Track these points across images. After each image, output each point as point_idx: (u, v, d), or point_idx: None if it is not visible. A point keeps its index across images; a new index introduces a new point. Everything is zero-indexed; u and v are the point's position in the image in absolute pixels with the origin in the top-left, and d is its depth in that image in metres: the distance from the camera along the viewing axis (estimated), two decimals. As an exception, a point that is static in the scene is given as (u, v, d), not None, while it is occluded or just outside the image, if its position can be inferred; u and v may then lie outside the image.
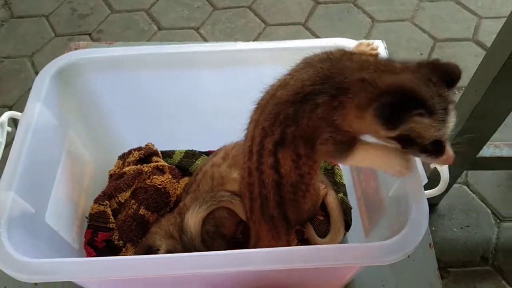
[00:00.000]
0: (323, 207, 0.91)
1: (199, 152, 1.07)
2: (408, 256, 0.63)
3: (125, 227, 0.90)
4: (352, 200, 0.95)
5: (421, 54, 2.02)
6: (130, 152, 1.01)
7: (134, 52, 0.89)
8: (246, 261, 0.61)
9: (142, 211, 0.92)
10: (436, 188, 0.67)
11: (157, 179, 0.96)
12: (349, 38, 0.91)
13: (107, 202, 0.92)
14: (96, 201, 0.92)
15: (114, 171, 1.00)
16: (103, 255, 0.88)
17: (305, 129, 0.67)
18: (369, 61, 0.66)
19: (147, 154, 1.01)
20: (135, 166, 0.98)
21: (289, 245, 0.83)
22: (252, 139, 0.73)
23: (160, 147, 1.06)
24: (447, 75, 0.62)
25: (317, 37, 2.10)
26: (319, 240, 0.89)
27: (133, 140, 1.04)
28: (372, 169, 0.74)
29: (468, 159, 1.28)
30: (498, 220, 1.53)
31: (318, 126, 0.66)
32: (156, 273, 0.61)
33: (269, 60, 0.90)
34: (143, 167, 0.97)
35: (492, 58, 1.07)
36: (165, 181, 0.96)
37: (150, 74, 0.92)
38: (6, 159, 0.72)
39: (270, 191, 0.74)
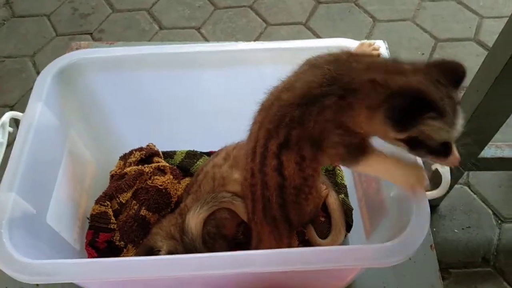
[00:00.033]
0: (324, 208, 0.91)
1: (200, 152, 1.07)
2: (409, 258, 0.62)
3: (126, 227, 0.90)
4: (353, 201, 0.95)
5: (423, 54, 2.02)
6: (131, 152, 1.01)
7: (136, 52, 0.89)
8: (247, 262, 0.61)
9: (143, 211, 0.92)
10: (437, 190, 0.67)
11: (158, 179, 0.96)
12: (350, 37, 0.90)
13: (108, 202, 0.92)
14: (97, 201, 0.92)
15: (115, 172, 1.00)
16: (104, 256, 0.88)
17: (311, 132, 0.66)
18: (377, 62, 0.66)
19: (148, 155, 1.01)
20: (136, 167, 0.98)
21: (290, 246, 0.83)
22: (256, 140, 0.73)
23: (161, 147, 1.06)
24: (452, 74, 0.62)
25: (318, 36, 2.10)
26: (320, 241, 0.89)
27: (135, 141, 1.04)
28: (381, 178, 0.73)
29: (469, 160, 1.28)
30: (499, 221, 1.52)
31: (326, 129, 0.65)
32: (157, 274, 0.61)
33: (270, 60, 0.90)
34: (144, 167, 0.97)
35: (493, 58, 1.07)
36: (166, 182, 0.96)
37: (152, 74, 0.92)
38: (8, 159, 0.73)
39: (273, 193, 0.74)
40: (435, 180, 0.69)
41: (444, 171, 0.67)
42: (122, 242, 0.91)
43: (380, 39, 0.93)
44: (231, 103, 0.96)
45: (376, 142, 0.68)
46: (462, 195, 1.58)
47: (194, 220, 0.82)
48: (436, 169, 0.69)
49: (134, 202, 0.94)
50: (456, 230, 1.50)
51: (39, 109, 0.78)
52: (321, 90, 0.64)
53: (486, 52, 1.94)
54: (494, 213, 1.54)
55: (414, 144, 0.62)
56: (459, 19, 2.14)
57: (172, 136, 1.05)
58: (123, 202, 0.94)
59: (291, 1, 2.26)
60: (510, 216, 1.53)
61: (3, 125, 0.77)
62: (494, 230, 1.50)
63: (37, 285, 0.88)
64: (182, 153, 1.06)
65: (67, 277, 0.62)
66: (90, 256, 0.88)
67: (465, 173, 1.58)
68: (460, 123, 0.61)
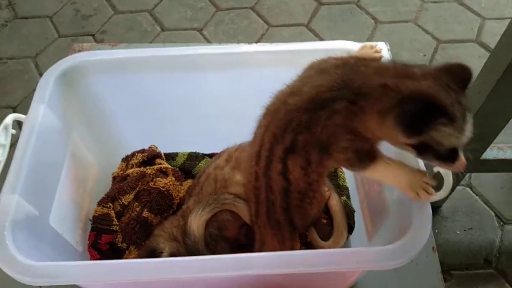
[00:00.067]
0: (326, 210, 0.91)
1: (202, 154, 1.07)
2: (411, 260, 0.63)
3: (128, 229, 0.90)
4: (355, 203, 0.95)
5: (424, 55, 2.01)
6: (133, 154, 1.02)
7: (138, 54, 0.89)
8: (249, 265, 0.61)
9: (145, 213, 0.92)
10: (439, 192, 0.67)
11: (160, 181, 0.96)
12: (352, 39, 0.91)
13: (111, 204, 0.92)
14: (99, 203, 0.93)
15: (118, 174, 1.00)
16: (107, 258, 0.88)
17: (319, 136, 0.66)
18: (386, 67, 0.65)
19: (150, 156, 1.01)
20: (139, 169, 0.98)
21: (293, 249, 0.83)
22: (261, 144, 0.72)
23: (163, 149, 1.06)
24: (458, 77, 0.62)
25: (320, 38, 2.10)
26: (322, 243, 0.89)
27: (137, 142, 1.04)
28: (386, 183, 0.73)
29: (471, 162, 1.28)
30: (501, 223, 1.52)
31: (335, 133, 0.65)
32: (160, 276, 0.61)
33: (272, 62, 0.90)
34: (147, 169, 0.97)
35: (496, 60, 1.07)
36: (168, 184, 0.96)
37: (154, 76, 0.92)
38: (11, 161, 0.73)
39: (277, 197, 0.74)
40: (437, 182, 0.69)
41: (446, 173, 0.67)
42: (124, 244, 0.91)
43: (382, 41, 0.93)
44: (233, 105, 0.96)
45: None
46: (464, 196, 1.58)
47: (196, 222, 0.82)
48: (438, 172, 0.69)
49: (136, 204, 0.94)
50: (458, 232, 1.50)
51: (42, 111, 0.79)
52: (330, 95, 0.64)
53: (488, 54, 1.94)
54: (496, 215, 1.53)
55: (423, 149, 0.62)
56: (461, 20, 2.14)
57: (174, 138, 1.05)
58: (125, 204, 0.94)
59: (292, 3, 2.26)
60: (512, 217, 1.53)
61: (6, 127, 0.77)
62: (496, 231, 1.50)
63: (40, 287, 0.88)
64: (184, 155, 1.07)
65: (69, 279, 0.62)
66: (93, 257, 0.89)
67: (467, 174, 1.58)
68: (469, 129, 0.61)
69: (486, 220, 1.53)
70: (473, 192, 1.59)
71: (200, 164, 1.04)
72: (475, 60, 1.97)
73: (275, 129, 0.69)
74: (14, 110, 1.88)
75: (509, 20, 0.99)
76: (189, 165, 1.04)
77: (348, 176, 1.00)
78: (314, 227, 0.89)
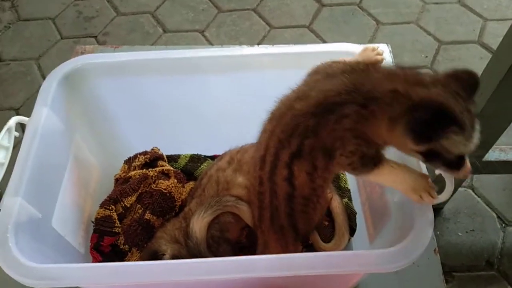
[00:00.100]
0: (328, 212, 0.91)
1: (204, 156, 1.07)
2: (413, 262, 0.63)
3: (130, 231, 0.90)
4: (356, 205, 0.95)
5: (426, 56, 2.01)
6: (135, 156, 1.02)
7: (140, 57, 0.90)
8: (251, 267, 0.62)
9: (147, 215, 0.92)
10: (441, 195, 0.67)
11: (162, 183, 0.96)
12: (353, 40, 0.91)
13: (113, 206, 0.92)
14: (102, 205, 0.93)
15: (120, 176, 1.00)
16: (109, 260, 0.89)
17: (325, 140, 0.66)
18: (396, 72, 0.65)
19: (152, 159, 1.02)
20: (141, 171, 0.98)
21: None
22: (265, 149, 0.72)
23: (165, 151, 1.06)
24: (466, 84, 0.62)
25: (322, 39, 2.10)
26: (324, 246, 0.89)
27: (139, 145, 1.04)
28: (390, 186, 0.73)
29: (473, 163, 1.28)
30: (503, 224, 1.52)
31: (342, 137, 0.65)
32: (162, 279, 0.62)
33: (274, 65, 0.91)
34: (149, 171, 0.98)
35: (497, 61, 1.06)
36: (171, 186, 0.96)
37: (156, 79, 0.92)
38: (14, 163, 0.73)
39: (282, 202, 0.74)
40: (438, 184, 0.69)
41: (448, 176, 0.67)
42: (126, 246, 0.91)
43: (384, 42, 0.93)
44: (235, 107, 0.96)
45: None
46: (466, 198, 1.58)
47: (199, 224, 0.82)
48: (440, 174, 0.69)
49: (138, 206, 0.94)
50: (460, 233, 1.50)
51: (45, 114, 0.79)
52: (339, 98, 0.64)
53: (490, 55, 1.94)
54: (498, 216, 1.53)
55: (431, 156, 0.62)
56: (463, 21, 2.14)
57: (176, 140, 1.06)
58: (128, 206, 0.94)
59: (294, 4, 2.27)
60: (514, 219, 1.52)
61: (9, 130, 0.77)
62: (498, 233, 1.50)
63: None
64: (186, 157, 1.07)
65: (72, 282, 0.62)
66: (95, 260, 0.89)
67: (469, 176, 1.58)
68: (477, 136, 0.61)
69: (488, 221, 1.52)
70: (475, 193, 1.59)
71: (202, 166, 1.04)
72: (477, 62, 1.96)
73: (280, 134, 0.69)
74: (17, 111, 1.88)
75: (511, 21, 0.99)
76: (191, 167, 1.05)
77: (350, 178, 1.00)
78: (316, 229, 0.89)
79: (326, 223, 0.91)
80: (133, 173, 0.98)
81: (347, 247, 0.91)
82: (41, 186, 0.75)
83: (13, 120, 0.78)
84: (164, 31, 2.18)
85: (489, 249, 1.46)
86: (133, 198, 0.95)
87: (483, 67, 1.11)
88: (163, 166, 1.01)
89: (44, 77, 1.98)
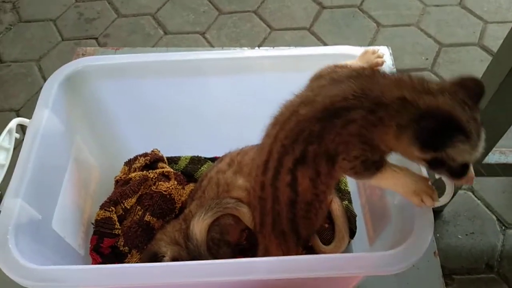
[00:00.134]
0: (328, 214, 0.91)
1: (205, 158, 1.08)
2: (413, 265, 0.63)
3: (130, 233, 0.90)
4: (356, 207, 0.95)
5: (426, 59, 2.02)
6: (136, 158, 1.02)
7: (141, 59, 0.90)
8: (251, 270, 0.62)
9: (147, 217, 0.92)
10: (442, 198, 0.67)
11: (162, 185, 0.96)
12: (354, 42, 0.91)
13: (113, 208, 0.93)
14: (102, 207, 0.93)
15: (120, 177, 1.00)
16: (109, 261, 0.89)
17: (329, 145, 0.66)
18: (403, 79, 0.64)
19: (153, 160, 1.02)
20: (141, 172, 0.98)
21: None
22: (269, 154, 0.72)
23: (165, 153, 1.06)
24: (471, 91, 0.62)
25: (322, 41, 2.10)
26: (323, 248, 0.89)
27: (139, 146, 1.04)
28: (391, 190, 0.73)
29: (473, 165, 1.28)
30: (503, 227, 1.52)
31: (346, 142, 0.64)
32: (162, 281, 0.62)
33: (274, 67, 0.91)
34: (149, 173, 0.98)
35: (498, 64, 1.07)
36: (171, 187, 0.97)
37: (156, 81, 0.93)
38: (14, 165, 0.73)
39: (284, 208, 0.74)
40: (438, 186, 0.69)
41: (448, 180, 0.67)
42: (126, 248, 0.91)
43: (384, 44, 0.93)
44: (235, 109, 0.96)
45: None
46: (466, 201, 1.58)
47: (199, 226, 0.82)
48: (440, 177, 0.69)
49: (138, 207, 0.94)
50: (459, 236, 1.50)
51: (46, 115, 0.79)
52: (346, 103, 0.64)
53: (490, 57, 1.94)
54: (498, 219, 1.53)
55: (435, 164, 0.62)
56: (463, 24, 2.14)
57: (176, 142, 1.06)
58: (128, 207, 0.94)
59: (295, 6, 2.27)
60: (514, 222, 1.52)
61: (10, 131, 0.78)
62: (498, 236, 1.50)
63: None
64: (186, 158, 1.07)
65: (72, 283, 0.62)
66: (95, 261, 0.89)
67: (473, 183, 1.57)
68: (482, 145, 0.61)
69: (488, 224, 1.52)
70: (475, 196, 1.59)
71: (202, 168, 1.04)
72: (477, 64, 1.97)
73: (284, 140, 0.69)
74: (17, 113, 1.89)
75: (511, 23, 0.99)
76: (191, 169, 1.05)
77: (350, 180, 1.00)
78: (316, 232, 0.89)
79: (326, 225, 0.91)
80: (133, 174, 0.98)
81: (347, 250, 0.91)
82: (42, 188, 0.75)
83: (14, 122, 0.78)
84: (165, 33, 2.18)
85: (489, 252, 1.46)
86: (133, 200, 0.95)
87: (484, 70, 1.11)
88: (163, 168, 1.01)
89: (44, 79, 1.99)
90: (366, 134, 0.63)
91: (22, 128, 0.79)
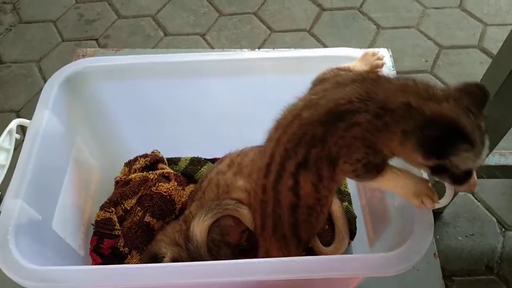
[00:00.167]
0: (328, 216, 0.91)
1: (205, 159, 1.08)
2: (413, 267, 0.63)
3: (130, 234, 0.90)
4: (357, 209, 0.95)
5: (426, 61, 2.02)
6: (136, 159, 1.02)
7: (141, 60, 0.90)
8: (251, 271, 0.62)
9: (147, 218, 0.92)
10: (441, 200, 0.67)
11: (162, 186, 0.96)
12: (354, 44, 0.92)
13: (113, 209, 0.93)
14: (102, 208, 0.93)
15: (120, 178, 1.00)
16: (109, 262, 0.89)
17: (331, 148, 0.65)
18: (408, 84, 0.64)
19: (153, 161, 1.02)
20: (141, 173, 0.98)
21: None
22: (271, 157, 0.72)
23: (165, 154, 1.06)
24: (476, 97, 0.62)
25: (322, 43, 2.10)
26: (324, 249, 0.89)
27: (139, 147, 1.04)
28: (391, 191, 0.73)
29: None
30: (503, 229, 1.52)
31: (349, 145, 0.64)
32: (162, 281, 0.62)
33: (275, 69, 0.91)
34: (149, 174, 0.98)
35: (497, 66, 1.07)
36: (171, 188, 0.97)
37: (157, 82, 0.93)
38: (14, 166, 0.73)
39: (285, 211, 0.74)
40: (438, 188, 0.69)
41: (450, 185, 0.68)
42: (126, 248, 0.91)
43: (384, 46, 0.93)
44: (235, 111, 0.97)
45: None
46: (466, 202, 1.58)
47: (199, 227, 0.82)
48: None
49: (138, 208, 0.94)
50: (459, 238, 1.50)
51: (46, 116, 0.79)
52: (351, 106, 0.63)
53: (490, 60, 1.94)
54: (498, 221, 1.53)
55: (438, 170, 0.62)
56: (463, 26, 2.15)
57: (176, 143, 1.06)
58: (128, 208, 0.94)
59: (295, 8, 2.27)
60: (514, 224, 1.52)
61: (10, 132, 0.78)
62: (498, 237, 1.50)
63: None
64: (186, 159, 1.07)
65: (72, 284, 0.62)
66: (95, 262, 0.89)
67: (475, 189, 1.57)
68: (486, 153, 0.61)
69: (488, 226, 1.52)
70: (475, 198, 1.59)
71: (202, 169, 1.04)
72: (477, 66, 1.97)
73: (287, 144, 0.69)
74: (17, 114, 1.89)
75: (511, 26, 0.99)
76: (191, 170, 1.05)
77: (350, 182, 1.00)
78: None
79: (326, 227, 0.91)
80: (133, 175, 0.98)
81: (347, 251, 0.91)
82: (42, 189, 0.75)
83: (14, 123, 0.78)
84: (165, 34, 2.18)
85: (489, 254, 1.46)
86: (133, 201, 0.95)
87: (483, 72, 1.12)
88: (163, 169, 1.01)
89: (45, 80, 1.99)
90: (370, 138, 0.63)
91: (22, 129, 0.79)
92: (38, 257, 0.67)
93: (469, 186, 0.64)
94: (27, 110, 1.89)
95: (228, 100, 0.96)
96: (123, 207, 0.94)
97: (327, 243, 0.90)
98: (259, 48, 2.09)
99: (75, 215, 0.89)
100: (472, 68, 1.96)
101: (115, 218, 0.92)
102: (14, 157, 0.76)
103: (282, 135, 0.70)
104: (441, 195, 0.68)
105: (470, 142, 0.58)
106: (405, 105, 0.61)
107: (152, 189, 0.96)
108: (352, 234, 0.91)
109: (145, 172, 0.99)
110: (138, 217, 0.93)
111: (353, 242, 0.92)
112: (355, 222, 0.92)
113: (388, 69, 0.83)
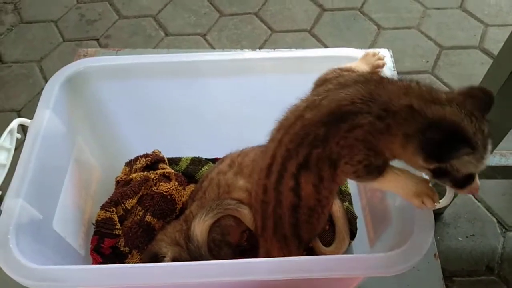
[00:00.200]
0: (329, 216, 0.91)
1: (205, 159, 1.08)
2: (413, 266, 0.63)
3: (131, 233, 0.91)
4: (357, 209, 0.95)
5: (427, 61, 2.02)
6: (137, 158, 1.02)
7: (142, 60, 0.90)
8: (251, 270, 0.62)
9: (148, 218, 0.92)
10: (442, 200, 0.67)
11: (163, 186, 0.96)
12: (355, 45, 0.92)
13: (114, 208, 0.93)
14: (102, 207, 0.93)
15: (121, 178, 1.00)
16: (109, 262, 0.89)
17: (332, 149, 0.65)
18: (411, 86, 0.64)
19: (153, 161, 1.02)
20: (142, 173, 0.98)
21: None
22: (273, 158, 0.72)
23: (166, 154, 1.07)
24: (480, 102, 0.62)
25: (323, 44, 2.10)
26: (324, 249, 0.89)
27: (140, 147, 1.04)
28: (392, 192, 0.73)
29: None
30: (503, 230, 1.52)
31: (351, 146, 0.64)
32: (162, 281, 0.62)
33: (275, 69, 0.91)
34: (150, 174, 0.98)
35: (498, 67, 1.07)
36: (171, 188, 0.97)
37: (158, 82, 0.93)
38: (15, 165, 0.74)
39: (286, 212, 0.74)
40: (438, 189, 0.69)
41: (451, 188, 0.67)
42: (127, 248, 0.91)
43: (385, 47, 0.93)
44: (236, 111, 0.97)
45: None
46: (466, 203, 1.58)
47: (200, 227, 0.82)
48: (441, 179, 0.69)
49: (139, 208, 0.95)
50: (460, 238, 1.50)
51: (47, 116, 0.79)
52: (354, 107, 0.63)
53: (491, 60, 1.94)
54: (498, 221, 1.53)
55: (439, 173, 0.62)
56: (464, 27, 2.15)
57: (177, 143, 1.06)
58: (128, 208, 0.95)
59: (296, 9, 2.27)
60: (514, 224, 1.52)
61: (11, 132, 0.78)
62: (498, 238, 1.50)
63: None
64: (187, 159, 1.07)
65: (72, 283, 0.62)
66: (95, 261, 0.89)
67: (478, 193, 1.57)
68: (488, 157, 0.61)
69: (488, 226, 1.52)
70: (475, 198, 1.59)
71: (203, 169, 1.05)
72: (478, 67, 1.97)
73: (289, 144, 0.69)
74: (18, 113, 1.89)
75: (512, 27, 0.99)
76: (192, 170, 1.05)
77: (351, 182, 1.00)
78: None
79: (327, 227, 0.91)
80: (134, 175, 0.98)
81: (348, 251, 0.91)
82: (43, 188, 0.75)
83: (15, 122, 0.79)
84: (166, 34, 2.18)
85: (489, 254, 1.46)
86: (134, 201, 0.95)
87: (484, 73, 1.11)
88: (164, 168, 1.01)
89: (45, 80, 1.99)
90: (371, 141, 0.63)
91: (23, 129, 0.79)
92: (39, 257, 0.67)
93: (471, 190, 0.64)
94: (28, 110, 1.89)
95: (229, 100, 0.96)
96: (124, 207, 0.94)
97: (327, 243, 0.90)
98: (259, 48, 2.09)
99: (76, 214, 0.89)
100: (473, 69, 1.96)
101: (115, 217, 0.92)
102: (15, 157, 0.76)
103: (284, 135, 0.70)
104: (441, 195, 0.68)
105: (471, 146, 0.58)
106: (408, 108, 0.61)
107: (153, 188, 0.96)
108: (352, 234, 0.91)
109: (145, 172, 0.99)
110: (138, 217, 0.93)
111: (353, 242, 0.92)
112: (356, 222, 0.92)
113: (389, 70, 0.84)
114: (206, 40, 2.15)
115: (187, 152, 1.08)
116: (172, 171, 1.02)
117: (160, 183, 0.97)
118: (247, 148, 0.95)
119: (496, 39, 2.06)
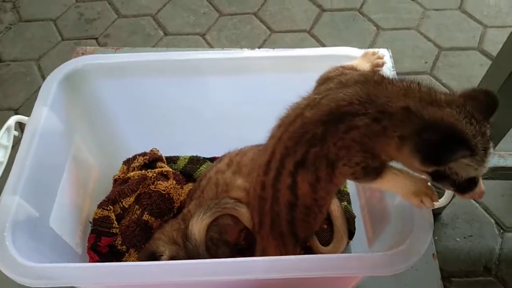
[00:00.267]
0: (327, 215, 0.91)
1: (204, 158, 1.07)
2: (411, 266, 0.63)
3: (128, 232, 0.90)
4: (356, 208, 0.95)
5: (426, 62, 2.02)
6: (134, 157, 1.02)
7: (140, 58, 0.90)
8: (249, 269, 0.62)
9: (145, 216, 0.92)
10: (441, 200, 0.67)
11: (161, 184, 0.96)
12: (354, 45, 0.91)
13: (111, 207, 0.92)
14: (100, 206, 0.93)
15: (119, 176, 1.00)
16: (106, 260, 0.88)
17: (330, 149, 0.65)
18: (411, 87, 0.63)
19: (151, 160, 1.02)
20: (140, 172, 0.98)
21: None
22: (271, 155, 0.72)
23: (164, 152, 1.06)
24: (484, 105, 0.61)
25: (322, 44, 2.10)
26: (322, 249, 0.89)
27: (138, 145, 1.04)
28: (391, 191, 0.72)
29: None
30: (501, 230, 1.52)
31: (348, 147, 0.64)
32: (160, 279, 0.62)
33: (274, 68, 0.91)
34: (148, 172, 0.98)
35: (497, 68, 1.07)
36: (169, 187, 0.96)
37: (156, 81, 0.93)
38: (12, 162, 0.73)
39: (283, 209, 0.74)
40: (437, 189, 0.69)
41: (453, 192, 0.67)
42: (124, 247, 0.91)
43: (384, 48, 0.93)
44: (235, 110, 0.96)
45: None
46: (465, 203, 1.57)
47: (198, 226, 0.82)
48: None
49: (136, 207, 0.94)
50: (458, 239, 1.50)
51: (45, 114, 0.79)
52: (352, 108, 0.63)
53: (490, 62, 1.94)
54: (496, 222, 1.53)
55: (438, 177, 0.61)
56: (463, 28, 2.15)
57: (175, 142, 1.06)
58: (126, 206, 0.94)
59: (295, 9, 2.27)
60: (512, 225, 1.52)
61: (8, 129, 0.77)
62: (496, 239, 1.49)
63: (39, 288, 0.88)
64: (185, 158, 1.07)
65: (69, 281, 0.62)
66: (92, 260, 0.89)
67: (482, 198, 1.57)
68: (489, 161, 0.60)
69: (486, 227, 1.52)
70: (473, 199, 1.59)
71: (201, 168, 1.04)
72: (477, 68, 1.96)
73: (287, 141, 0.69)
74: (16, 112, 1.88)
75: (511, 28, 0.99)
76: (190, 169, 1.05)
77: (349, 182, 1.00)
78: (314, 232, 0.89)
79: (325, 226, 0.91)
80: (132, 174, 0.98)
81: (346, 251, 0.91)
82: (40, 186, 0.75)
83: (13, 119, 0.78)
84: (165, 34, 2.18)
85: (487, 255, 1.46)
86: (132, 199, 0.95)
87: (483, 74, 1.11)
88: (162, 167, 1.01)
89: (44, 78, 1.97)
90: (368, 143, 0.63)
91: (20, 126, 0.79)
92: (35, 254, 0.67)
93: (474, 195, 0.63)
94: (25, 108, 1.88)
95: (228, 99, 0.96)
96: (121, 205, 0.94)
97: (325, 243, 0.90)
98: (259, 48, 2.08)
99: (73, 212, 0.88)
100: (472, 70, 1.96)
101: (113, 216, 0.92)
102: (12, 154, 0.76)
103: (284, 133, 0.70)
104: (440, 195, 0.68)
105: (469, 148, 0.57)
106: (404, 109, 0.60)
107: (151, 187, 0.96)
108: (351, 233, 0.91)
109: (143, 171, 0.99)
110: (136, 216, 0.93)
111: (352, 242, 0.92)
112: (354, 221, 0.92)
113: (388, 69, 0.83)
114: (205, 39, 2.15)
115: (185, 150, 1.08)
116: (170, 169, 1.02)
117: (158, 182, 0.97)
118: (245, 147, 0.95)
119: (495, 40, 2.06)
